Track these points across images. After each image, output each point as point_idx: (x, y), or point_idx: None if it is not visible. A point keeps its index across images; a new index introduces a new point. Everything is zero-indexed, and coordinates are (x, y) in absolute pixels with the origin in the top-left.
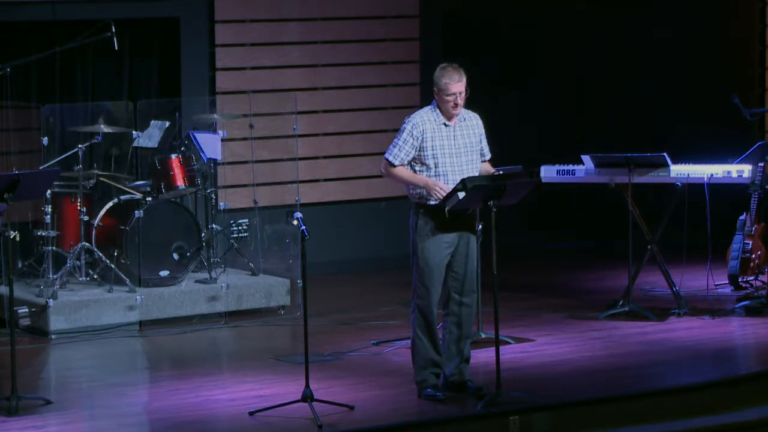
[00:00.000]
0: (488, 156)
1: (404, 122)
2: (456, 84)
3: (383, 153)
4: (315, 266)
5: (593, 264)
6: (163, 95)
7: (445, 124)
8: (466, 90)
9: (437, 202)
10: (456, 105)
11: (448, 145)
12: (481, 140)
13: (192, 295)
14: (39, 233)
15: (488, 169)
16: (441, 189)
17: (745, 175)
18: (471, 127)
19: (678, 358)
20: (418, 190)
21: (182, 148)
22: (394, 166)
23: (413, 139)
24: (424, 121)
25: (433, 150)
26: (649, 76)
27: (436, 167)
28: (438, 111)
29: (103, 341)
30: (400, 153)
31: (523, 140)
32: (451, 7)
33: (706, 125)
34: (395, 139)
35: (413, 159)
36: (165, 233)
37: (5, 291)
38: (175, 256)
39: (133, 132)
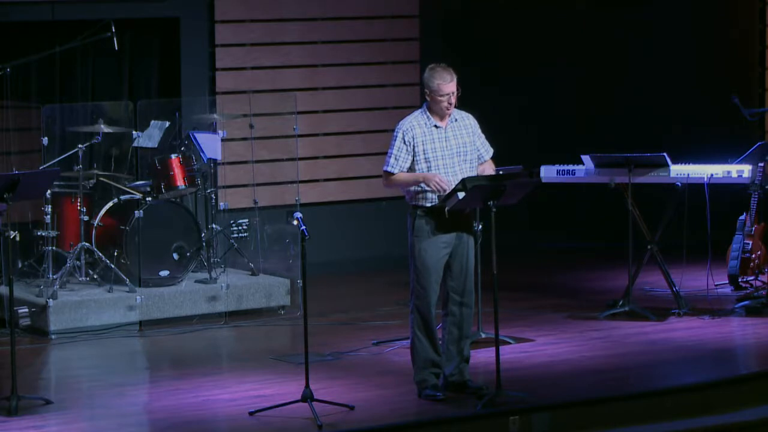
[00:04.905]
0: (489, 154)
1: (395, 130)
2: (448, 84)
3: (383, 153)
4: (315, 266)
5: (593, 264)
6: (163, 95)
7: (436, 125)
8: (457, 89)
9: (437, 203)
10: (450, 105)
11: (440, 147)
12: (476, 140)
13: (192, 295)
14: (39, 233)
15: (489, 168)
16: (440, 181)
17: (745, 175)
18: (464, 127)
19: (678, 358)
20: (414, 189)
21: (182, 148)
22: (394, 174)
23: (406, 145)
24: (414, 125)
25: (425, 153)
26: (649, 76)
27: (428, 170)
28: (428, 113)
29: (103, 341)
30: (397, 162)
31: (523, 140)
32: (451, 7)
33: (706, 125)
34: (390, 150)
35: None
36: (165, 233)
37: (5, 291)
38: (175, 256)
39: (133, 132)
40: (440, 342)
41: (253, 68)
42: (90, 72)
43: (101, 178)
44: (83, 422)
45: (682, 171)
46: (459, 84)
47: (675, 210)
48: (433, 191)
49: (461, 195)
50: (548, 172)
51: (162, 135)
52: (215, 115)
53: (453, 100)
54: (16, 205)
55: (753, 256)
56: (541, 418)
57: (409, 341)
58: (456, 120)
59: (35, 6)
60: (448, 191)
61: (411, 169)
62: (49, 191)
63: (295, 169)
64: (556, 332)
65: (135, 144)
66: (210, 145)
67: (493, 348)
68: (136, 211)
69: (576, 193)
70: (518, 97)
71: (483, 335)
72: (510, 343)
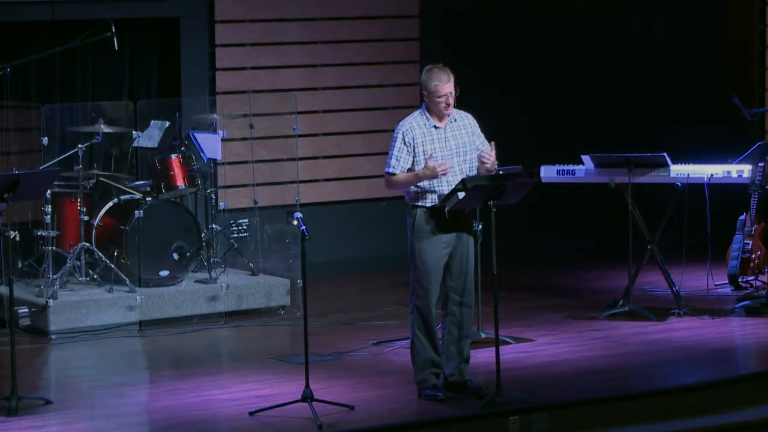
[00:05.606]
0: None
1: (395, 131)
2: (445, 85)
3: (383, 153)
4: (315, 266)
5: (593, 264)
6: (163, 95)
7: (435, 126)
8: (455, 89)
9: (437, 203)
10: (448, 105)
11: (440, 148)
12: (476, 139)
13: (192, 295)
14: (39, 233)
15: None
16: (433, 166)
17: (745, 175)
18: (463, 127)
19: (678, 358)
20: (414, 189)
21: (182, 148)
22: (395, 175)
23: (407, 146)
24: (413, 126)
25: (425, 154)
26: (649, 76)
27: None
28: (427, 114)
29: (103, 341)
30: (398, 163)
31: (523, 140)
32: (451, 7)
33: (706, 125)
34: (390, 151)
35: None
36: (165, 233)
37: (5, 291)
38: (175, 256)
39: (133, 132)
40: (440, 342)
41: (253, 68)
42: (90, 72)
43: (101, 178)
44: (83, 422)
45: (682, 171)
46: (456, 84)
47: (675, 210)
48: (433, 177)
49: (461, 195)
50: (548, 172)
51: (162, 135)
52: (215, 115)
53: (451, 101)
54: (16, 205)
55: (753, 256)
56: (541, 418)
57: (409, 341)
58: (455, 120)
59: (35, 6)
60: (447, 169)
61: (411, 170)
62: (49, 191)
63: (295, 169)
64: (556, 332)
65: (135, 144)
66: (210, 145)
67: (493, 348)
68: (136, 211)
69: (576, 193)
70: (518, 97)
71: (483, 335)
72: (510, 343)
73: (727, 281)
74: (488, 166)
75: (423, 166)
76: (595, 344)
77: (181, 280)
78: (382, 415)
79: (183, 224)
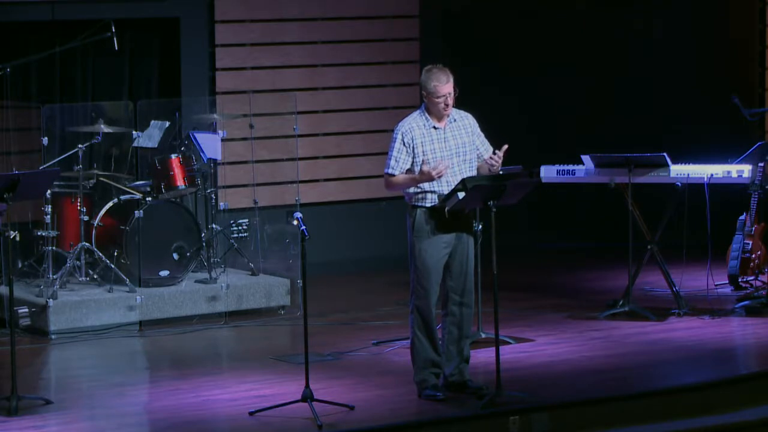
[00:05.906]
0: (489, 153)
1: (394, 132)
2: (445, 85)
3: (383, 153)
4: (315, 266)
5: (593, 264)
6: (163, 95)
7: (434, 127)
8: (454, 89)
9: (437, 203)
10: (447, 105)
11: (439, 148)
12: (475, 139)
13: (192, 295)
14: (39, 233)
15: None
16: (431, 170)
17: (745, 175)
18: (463, 127)
19: (678, 358)
20: (413, 189)
21: (182, 148)
22: (395, 176)
23: (406, 146)
24: (413, 127)
25: (424, 155)
26: (649, 76)
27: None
28: (427, 114)
29: (103, 341)
30: (397, 164)
31: (523, 140)
32: (451, 7)
33: (706, 125)
34: (389, 152)
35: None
36: (165, 233)
37: (5, 291)
38: (175, 256)
39: (133, 132)
40: (440, 342)
41: (253, 68)
42: (90, 72)
43: (101, 178)
44: (83, 422)
45: (682, 171)
46: (456, 84)
47: (675, 210)
48: (433, 180)
49: (461, 195)
50: (548, 172)
51: (162, 135)
52: (215, 115)
53: (450, 101)
54: (16, 205)
55: (753, 256)
56: (541, 418)
57: (409, 341)
58: (455, 120)
59: (35, 6)
60: (443, 170)
61: (411, 170)
62: (49, 191)
63: (295, 169)
64: (556, 332)
65: (135, 144)
66: (210, 145)
67: (493, 348)
68: (136, 211)
69: (576, 193)
70: (518, 97)
71: (483, 335)
72: (510, 343)
73: (727, 281)
74: (495, 168)
75: (420, 169)
76: (595, 344)
77: (181, 280)
78: (382, 415)
79: (183, 224)
